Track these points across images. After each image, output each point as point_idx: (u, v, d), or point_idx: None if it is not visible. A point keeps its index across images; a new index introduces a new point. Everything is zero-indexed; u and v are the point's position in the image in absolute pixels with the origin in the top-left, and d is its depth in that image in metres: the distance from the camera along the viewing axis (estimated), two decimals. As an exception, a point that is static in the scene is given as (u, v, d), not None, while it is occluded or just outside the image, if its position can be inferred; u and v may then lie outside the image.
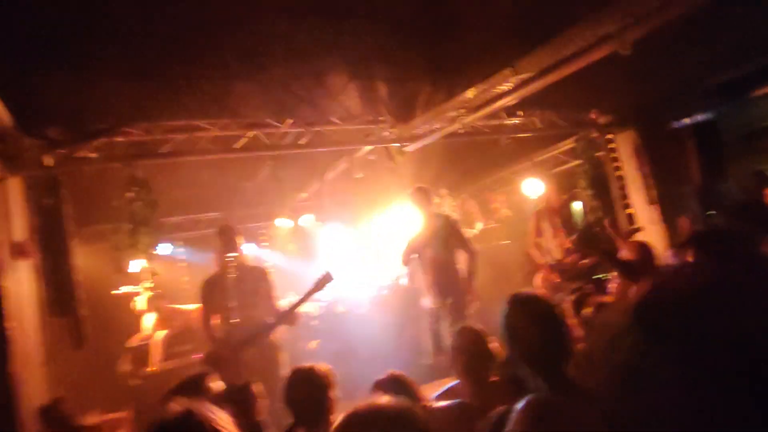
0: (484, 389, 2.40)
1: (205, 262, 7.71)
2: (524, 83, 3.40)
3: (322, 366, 2.12)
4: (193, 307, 5.70)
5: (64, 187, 3.47)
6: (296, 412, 2.03)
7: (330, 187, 6.84)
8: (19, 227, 3.43)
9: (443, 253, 4.51)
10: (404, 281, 6.50)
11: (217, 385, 2.18)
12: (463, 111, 4.12)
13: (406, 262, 4.75)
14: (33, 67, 2.73)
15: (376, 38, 3.23)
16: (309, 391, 2.02)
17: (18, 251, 3.18)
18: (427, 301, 4.73)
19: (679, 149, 6.14)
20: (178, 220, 7.53)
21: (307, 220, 7.53)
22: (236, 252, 3.58)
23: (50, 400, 3.52)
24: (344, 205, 7.67)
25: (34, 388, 3.35)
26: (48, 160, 3.37)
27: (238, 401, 2.12)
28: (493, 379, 2.89)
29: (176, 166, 4.65)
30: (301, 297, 3.55)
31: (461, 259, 4.64)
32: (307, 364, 2.14)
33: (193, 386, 2.05)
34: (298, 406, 2.03)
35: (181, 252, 8.01)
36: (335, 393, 2.07)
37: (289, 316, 3.54)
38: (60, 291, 3.34)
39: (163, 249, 7.06)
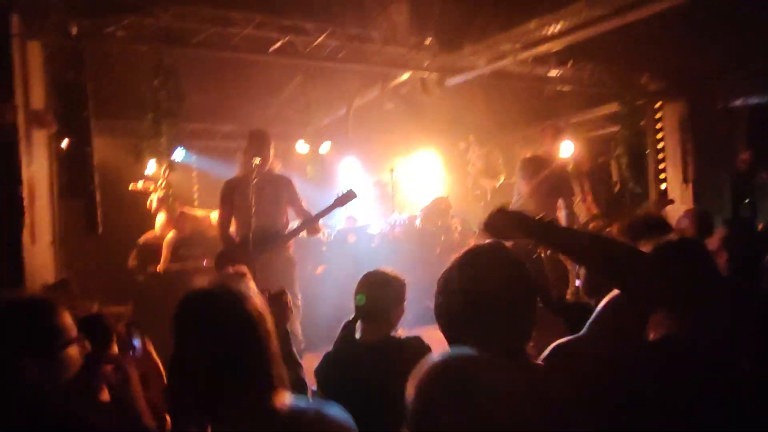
0: None
1: (217, 173, 7.59)
2: (597, 20, 3.09)
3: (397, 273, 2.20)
4: (203, 213, 5.62)
5: (87, 64, 3.26)
6: (362, 309, 2.09)
7: (355, 117, 6.59)
8: (37, 97, 3.26)
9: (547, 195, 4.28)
10: (419, 223, 6.38)
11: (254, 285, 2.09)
12: (518, 45, 3.81)
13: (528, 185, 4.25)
14: None
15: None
16: (381, 292, 2.09)
17: (35, 120, 3.02)
18: None
19: (727, 130, 5.82)
20: (195, 128, 7.31)
21: (325, 147, 7.30)
22: (263, 158, 3.41)
23: (56, 280, 3.49)
24: (366, 137, 7.43)
25: (41, 265, 3.30)
26: (72, 29, 3.14)
27: (271, 306, 2.04)
28: None
29: (199, 66, 4.39)
30: (323, 209, 3.45)
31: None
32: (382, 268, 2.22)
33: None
34: (369, 304, 2.08)
35: (194, 160, 7.84)
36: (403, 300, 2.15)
37: (312, 223, 3.46)
38: (77, 171, 3.21)
39: (177, 154, 6.88)
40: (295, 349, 2.40)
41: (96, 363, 1.50)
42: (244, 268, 2.54)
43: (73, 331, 1.35)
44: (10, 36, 2.62)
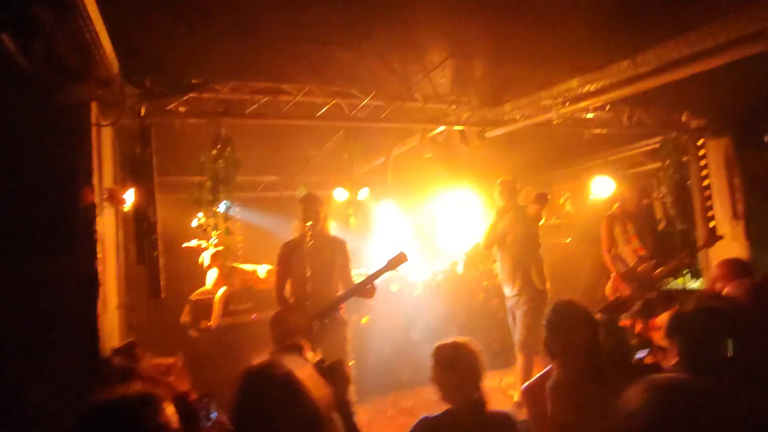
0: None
1: (259, 224, 7.78)
2: (641, 77, 3.14)
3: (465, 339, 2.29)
4: (252, 267, 5.78)
5: (153, 138, 3.50)
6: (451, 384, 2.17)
7: (393, 164, 6.72)
8: (108, 173, 3.50)
9: (526, 244, 4.62)
10: (460, 269, 6.39)
11: (312, 356, 2.16)
12: (560, 101, 3.88)
13: (489, 247, 4.91)
14: (145, 16, 2.70)
15: (485, 15, 3.04)
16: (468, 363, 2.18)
17: (108, 197, 3.24)
18: (507, 290, 4.79)
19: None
20: (237, 179, 7.58)
21: (363, 193, 7.44)
22: (316, 221, 3.54)
23: (123, 344, 3.65)
24: (405, 183, 7.55)
25: (109, 330, 3.46)
26: (142, 110, 3.40)
27: (330, 378, 2.08)
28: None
29: (247, 126, 4.60)
30: (373, 273, 3.49)
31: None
32: (450, 339, 2.29)
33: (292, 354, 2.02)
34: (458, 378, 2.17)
35: (237, 212, 8.05)
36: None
37: (361, 289, 3.51)
38: (142, 240, 3.41)
39: (221, 206, 7.10)
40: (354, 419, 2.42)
41: None
42: (303, 341, 2.59)
43: (174, 423, 1.44)
44: (90, 125, 2.86)
